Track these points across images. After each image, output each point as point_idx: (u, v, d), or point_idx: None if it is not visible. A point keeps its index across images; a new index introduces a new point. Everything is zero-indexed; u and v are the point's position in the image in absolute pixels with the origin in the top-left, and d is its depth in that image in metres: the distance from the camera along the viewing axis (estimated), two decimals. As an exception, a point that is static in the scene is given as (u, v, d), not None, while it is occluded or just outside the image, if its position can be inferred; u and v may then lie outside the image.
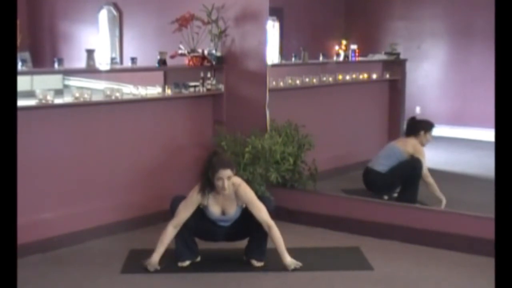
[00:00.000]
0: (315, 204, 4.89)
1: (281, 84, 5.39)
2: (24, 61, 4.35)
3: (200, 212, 3.85)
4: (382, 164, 5.05)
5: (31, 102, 4.15)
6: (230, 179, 3.76)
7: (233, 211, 3.88)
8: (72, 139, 4.43)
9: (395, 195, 5.05)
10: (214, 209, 3.86)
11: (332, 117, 5.89)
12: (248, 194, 3.84)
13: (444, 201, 4.79)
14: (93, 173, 4.54)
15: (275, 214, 4.22)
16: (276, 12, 5.59)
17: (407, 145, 5.03)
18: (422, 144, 5.02)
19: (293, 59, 5.75)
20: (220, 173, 3.72)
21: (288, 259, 3.81)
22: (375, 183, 5.08)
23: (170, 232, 3.82)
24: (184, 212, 3.81)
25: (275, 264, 3.96)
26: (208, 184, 3.79)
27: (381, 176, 5.02)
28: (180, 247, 3.91)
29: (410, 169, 4.93)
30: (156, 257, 3.82)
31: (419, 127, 5.05)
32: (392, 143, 5.25)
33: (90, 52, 4.59)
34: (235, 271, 3.82)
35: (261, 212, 3.80)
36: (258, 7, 5.00)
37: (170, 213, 3.97)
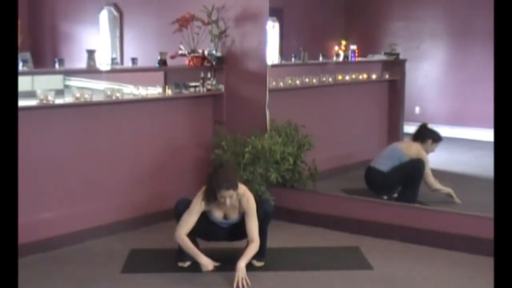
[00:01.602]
0: (315, 204, 4.89)
1: (281, 84, 5.40)
2: (25, 62, 4.35)
3: (203, 215, 3.86)
4: (383, 163, 5.06)
5: (32, 102, 4.16)
6: (232, 197, 3.76)
7: (235, 217, 3.90)
8: (73, 139, 4.43)
9: (395, 195, 5.06)
10: (217, 214, 3.88)
11: (332, 117, 5.90)
12: (250, 204, 3.82)
13: (452, 192, 4.86)
14: (93, 173, 4.55)
15: (275, 214, 4.24)
16: (276, 12, 5.60)
17: (411, 149, 5.05)
18: (426, 152, 5.04)
19: (293, 59, 5.76)
20: (222, 193, 3.71)
21: (242, 264, 3.70)
22: (376, 182, 5.09)
23: (185, 238, 3.79)
24: (190, 220, 3.81)
25: (275, 264, 3.97)
26: (212, 195, 3.78)
27: (382, 175, 5.03)
28: (181, 247, 3.92)
29: (412, 169, 4.94)
30: (203, 258, 3.78)
31: (429, 136, 5.08)
32: (395, 144, 5.26)
33: (90, 53, 4.60)
34: (235, 271, 3.82)
35: (253, 226, 3.81)
36: (258, 7, 5.01)
37: (174, 216, 3.96)
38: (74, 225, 4.41)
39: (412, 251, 4.30)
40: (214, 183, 3.73)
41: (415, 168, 4.93)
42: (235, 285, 3.62)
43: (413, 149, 5.03)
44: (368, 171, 5.14)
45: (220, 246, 4.15)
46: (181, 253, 3.92)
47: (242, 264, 3.70)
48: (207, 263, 3.79)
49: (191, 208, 3.83)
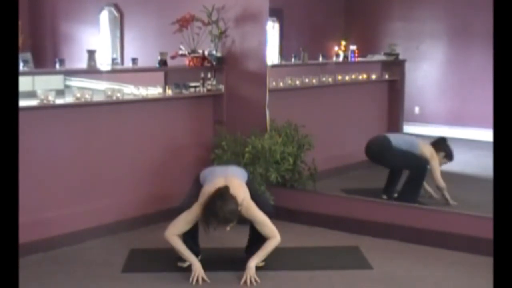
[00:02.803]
0: (314, 204, 4.90)
1: (281, 84, 5.41)
2: (25, 62, 4.36)
3: None
4: (395, 139, 5.05)
5: (33, 102, 4.17)
6: (231, 228, 3.74)
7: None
8: (74, 139, 4.44)
9: (395, 195, 5.06)
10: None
11: (332, 117, 5.91)
12: (251, 212, 3.77)
13: (449, 199, 4.88)
14: (94, 173, 4.56)
15: (275, 214, 4.22)
16: (276, 13, 5.61)
17: (427, 147, 5.04)
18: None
19: (293, 59, 5.77)
20: (222, 226, 3.69)
21: (252, 264, 3.73)
22: (378, 147, 5.09)
23: (177, 239, 3.78)
24: (184, 228, 3.78)
25: (275, 264, 3.98)
26: (212, 222, 3.70)
27: (388, 145, 5.00)
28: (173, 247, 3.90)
29: (416, 167, 4.95)
30: (197, 264, 3.76)
31: (444, 149, 5.06)
32: (414, 137, 5.24)
33: (91, 53, 4.61)
34: (235, 271, 3.83)
35: (265, 228, 3.78)
36: (258, 8, 5.03)
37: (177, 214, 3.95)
38: (75, 225, 4.42)
39: (411, 250, 4.31)
40: (213, 217, 3.62)
41: (419, 166, 4.94)
42: (242, 281, 3.65)
43: (428, 148, 5.03)
44: (377, 137, 5.14)
45: (220, 246, 4.16)
46: None
47: (252, 263, 3.73)
48: (198, 268, 3.73)
49: (188, 216, 3.76)
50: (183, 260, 3.91)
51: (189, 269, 3.89)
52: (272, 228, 3.80)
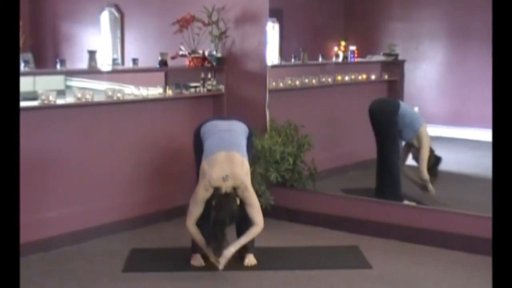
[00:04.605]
0: (314, 204, 4.91)
1: (281, 84, 5.42)
2: (26, 62, 4.38)
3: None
4: (404, 109, 5.07)
5: (34, 102, 4.19)
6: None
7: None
8: (74, 139, 4.46)
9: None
10: None
11: (332, 117, 5.91)
12: (246, 194, 3.79)
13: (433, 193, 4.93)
14: (94, 172, 4.57)
15: (275, 213, 4.24)
16: (276, 13, 5.62)
17: (426, 133, 5.04)
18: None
19: (292, 60, 5.78)
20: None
21: (231, 250, 3.77)
22: (386, 108, 5.17)
23: (195, 228, 3.83)
24: (196, 209, 3.81)
25: (275, 264, 3.99)
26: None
27: (396, 111, 5.04)
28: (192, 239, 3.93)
29: (387, 160, 5.03)
30: (210, 251, 3.81)
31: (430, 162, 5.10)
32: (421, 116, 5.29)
33: (92, 53, 4.62)
34: (234, 270, 3.84)
35: (254, 212, 3.81)
36: (258, 8, 5.04)
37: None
38: (76, 224, 4.43)
39: (410, 250, 4.32)
40: (222, 218, 3.69)
41: (389, 161, 5.01)
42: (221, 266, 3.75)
43: (427, 134, 5.03)
44: (390, 98, 5.34)
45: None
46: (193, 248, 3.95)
47: (231, 250, 3.76)
48: (211, 254, 3.79)
49: (196, 199, 3.80)
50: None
51: (188, 268, 3.92)
52: (260, 215, 3.83)
